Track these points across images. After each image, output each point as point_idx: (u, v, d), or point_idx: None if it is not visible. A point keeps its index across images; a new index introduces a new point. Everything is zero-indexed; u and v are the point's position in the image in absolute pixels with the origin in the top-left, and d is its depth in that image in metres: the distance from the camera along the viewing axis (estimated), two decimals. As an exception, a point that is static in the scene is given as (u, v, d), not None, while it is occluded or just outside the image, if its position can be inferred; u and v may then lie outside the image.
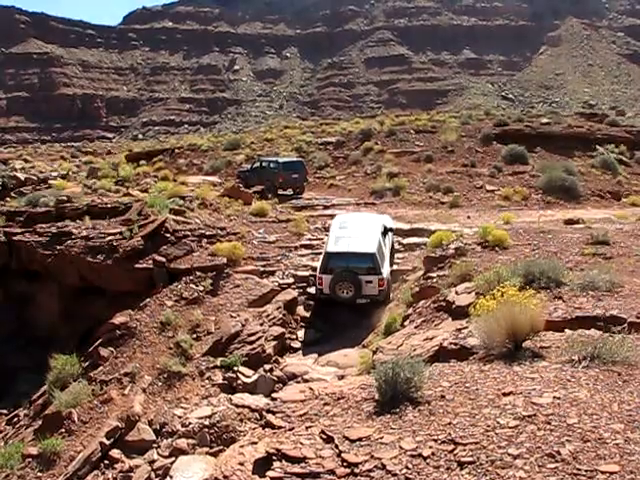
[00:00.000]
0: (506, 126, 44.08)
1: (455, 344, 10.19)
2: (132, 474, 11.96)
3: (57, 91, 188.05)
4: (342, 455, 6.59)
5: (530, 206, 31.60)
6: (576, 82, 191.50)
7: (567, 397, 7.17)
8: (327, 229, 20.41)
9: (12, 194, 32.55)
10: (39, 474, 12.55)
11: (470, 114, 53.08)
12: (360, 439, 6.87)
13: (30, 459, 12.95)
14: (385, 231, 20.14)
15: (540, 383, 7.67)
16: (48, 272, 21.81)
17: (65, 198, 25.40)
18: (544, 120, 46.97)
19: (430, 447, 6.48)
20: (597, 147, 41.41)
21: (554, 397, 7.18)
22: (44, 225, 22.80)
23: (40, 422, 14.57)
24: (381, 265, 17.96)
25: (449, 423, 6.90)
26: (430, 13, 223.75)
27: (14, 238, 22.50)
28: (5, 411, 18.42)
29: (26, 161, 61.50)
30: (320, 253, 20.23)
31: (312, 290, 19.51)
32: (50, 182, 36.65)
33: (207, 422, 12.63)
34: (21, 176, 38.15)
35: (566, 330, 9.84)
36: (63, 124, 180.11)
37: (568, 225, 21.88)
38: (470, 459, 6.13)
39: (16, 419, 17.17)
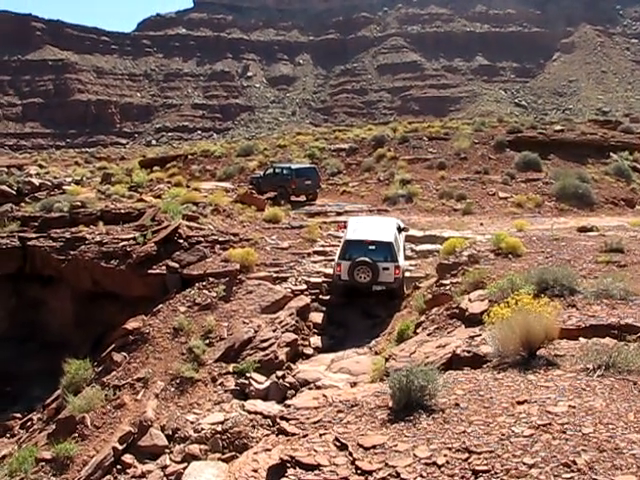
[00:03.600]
0: (519, 133, 43.96)
1: (468, 352, 10.14)
2: (144, 479, 11.98)
3: (71, 97, 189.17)
4: (356, 463, 6.56)
5: (543, 213, 31.49)
6: (589, 89, 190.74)
7: (582, 406, 7.12)
8: (345, 226, 20.87)
9: (27, 199, 32.71)
10: (52, 478, 12.61)
11: (483, 121, 52.93)
12: (374, 447, 6.84)
13: (44, 463, 13.02)
14: (399, 229, 20.87)
15: (555, 392, 7.61)
16: (62, 277, 21.95)
17: (79, 203, 25.56)
18: (557, 127, 46.85)
19: (444, 455, 6.44)
20: (611, 154, 41.25)
21: (569, 406, 7.13)
22: (58, 230, 22.96)
23: (54, 426, 14.65)
24: (397, 255, 18.77)
25: (463, 431, 6.87)
26: (443, 20, 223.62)
27: (28, 243, 22.67)
28: (19, 415, 18.54)
29: (41, 167, 61.74)
30: (333, 260, 20.48)
31: (325, 297, 19.54)
32: (64, 187, 36.82)
33: (219, 428, 12.63)
34: (36, 181, 38.34)
35: (580, 338, 9.78)
36: (77, 130, 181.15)
37: (582, 233, 21.79)
38: (485, 468, 6.08)
39: (30, 423, 17.28)
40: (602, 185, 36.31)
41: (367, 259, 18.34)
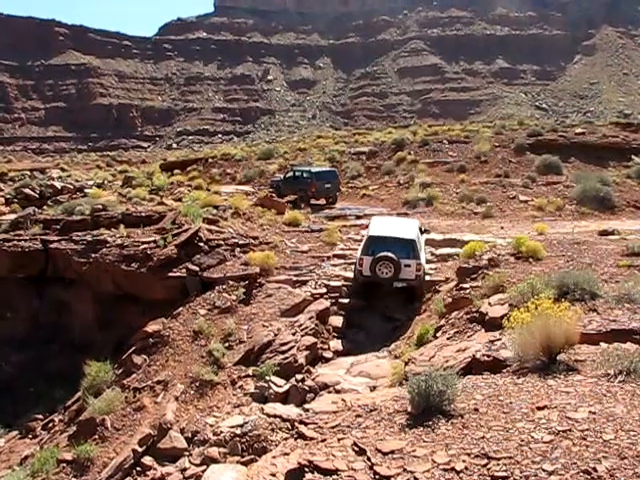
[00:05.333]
0: (540, 136, 43.75)
1: (488, 356, 10.09)
2: (164, 481, 12.03)
3: (94, 101, 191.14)
4: (374, 468, 6.55)
5: (564, 217, 31.23)
6: (611, 91, 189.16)
7: (603, 412, 7.06)
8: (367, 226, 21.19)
9: (49, 202, 33.10)
10: (73, 479, 12.68)
11: (503, 124, 52.80)
12: (392, 452, 6.82)
13: (64, 464, 13.09)
14: (420, 230, 21.08)
15: (575, 397, 7.56)
16: (83, 279, 22.10)
17: (100, 207, 25.74)
18: (578, 130, 46.53)
19: (463, 461, 6.41)
20: (632, 157, 40.83)
21: (590, 412, 7.07)
22: (80, 233, 23.14)
23: (74, 428, 14.73)
24: (419, 253, 19.05)
25: (482, 437, 6.84)
26: (463, 23, 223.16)
27: (50, 246, 22.86)
28: (41, 416, 18.70)
29: (63, 170, 62.40)
30: (353, 263, 20.56)
31: (345, 301, 19.52)
32: (86, 191, 37.23)
33: (239, 431, 12.63)
34: (58, 185, 38.82)
35: (601, 343, 9.69)
36: (99, 133, 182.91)
37: (603, 236, 21.60)
38: (504, 474, 6.05)
39: (51, 424, 17.41)
40: (624, 188, 35.93)
41: (390, 254, 18.52)
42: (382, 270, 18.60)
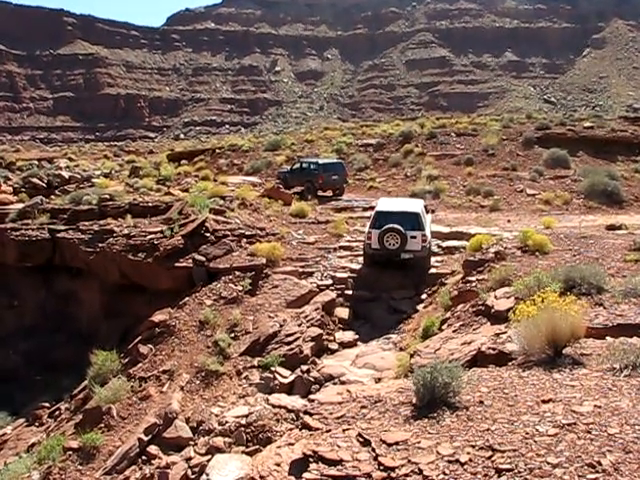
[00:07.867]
0: (548, 130, 43.58)
1: (493, 349, 10.09)
2: (169, 470, 12.03)
3: (101, 91, 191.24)
4: (379, 459, 6.56)
5: (571, 211, 31.13)
6: (620, 85, 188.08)
7: (608, 406, 7.04)
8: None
9: (57, 192, 33.11)
10: (79, 467, 12.75)
11: (511, 117, 52.57)
12: (397, 443, 6.83)
13: (71, 452, 13.16)
14: (425, 209, 22.08)
15: (580, 391, 7.55)
16: (90, 269, 22.20)
17: (107, 197, 25.80)
18: (587, 124, 46.31)
19: (468, 453, 6.41)
20: (641, 152, 40.66)
21: (595, 406, 7.06)
22: (87, 223, 23.23)
23: (81, 416, 14.81)
24: (424, 226, 20.08)
25: (487, 429, 6.84)
26: (472, 15, 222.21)
27: (58, 235, 22.97)
28: (48, 404, 18.85)
29: (70, 160, 62.44)
30: (359, 255, 20.67)
31: (350, 292, 19.57)
32: (93, 181, 37.21)
33: (244, 421, 12.66)
34: (65, 174, 38.77)
35: (607, 337, 9.68)
36: (107, 123, 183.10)
37: (610, 231, 21.50)
38: (508, 466, 6.05)
39: (58, 412, 17.55)
40: (632, 183, 35.77)
41: (396, 226, 19.43)
42: (389, 241, 19.58)
